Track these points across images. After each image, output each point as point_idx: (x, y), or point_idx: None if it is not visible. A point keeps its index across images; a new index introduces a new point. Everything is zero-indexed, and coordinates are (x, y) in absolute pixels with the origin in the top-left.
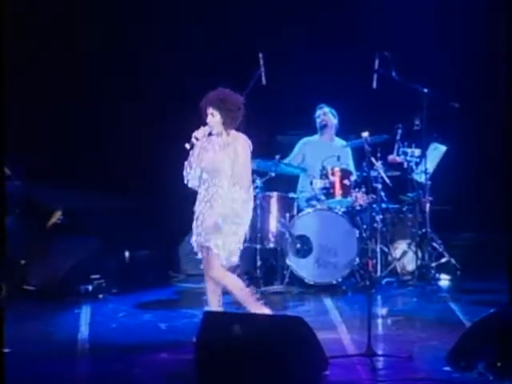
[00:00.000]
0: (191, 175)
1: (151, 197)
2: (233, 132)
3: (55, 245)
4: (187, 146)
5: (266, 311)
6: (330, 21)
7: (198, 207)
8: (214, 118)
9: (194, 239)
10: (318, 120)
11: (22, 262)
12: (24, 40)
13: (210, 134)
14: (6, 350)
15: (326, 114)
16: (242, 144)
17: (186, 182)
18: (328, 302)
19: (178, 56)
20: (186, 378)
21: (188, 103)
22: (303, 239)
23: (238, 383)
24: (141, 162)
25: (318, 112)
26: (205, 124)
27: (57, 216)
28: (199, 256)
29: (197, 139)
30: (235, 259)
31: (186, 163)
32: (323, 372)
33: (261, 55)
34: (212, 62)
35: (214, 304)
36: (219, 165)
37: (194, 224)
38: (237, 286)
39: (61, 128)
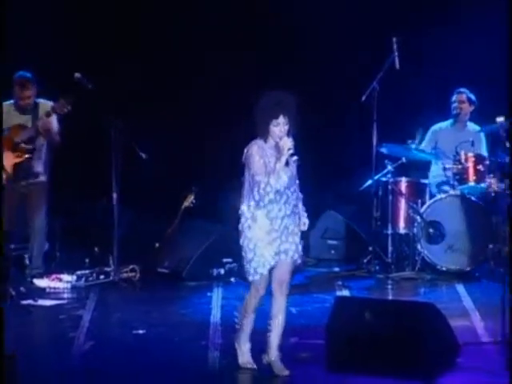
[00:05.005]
0: (276, 189)
1: None
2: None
3: (188, 228)
4: (292, 160)
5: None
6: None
7: (282, 223)
8: (286, 126)
9: (272, 256)
10: (452, 105)
11: (156, 245)
12: None
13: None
14: (140, 331)
15: (463, 102)
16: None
17: (266, 200)
18: (461, 288)
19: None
20: (316, 363)
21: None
22: (435, 225)
23: (368, 369)
24: None
25: (455, 97)
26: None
27: (190, 199)
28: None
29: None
30: None
31: (263, 179)
32: (455, 359)
33: (394, 40)
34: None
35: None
36: (294, 173)
37: (280, 241)
38: None
39: None
